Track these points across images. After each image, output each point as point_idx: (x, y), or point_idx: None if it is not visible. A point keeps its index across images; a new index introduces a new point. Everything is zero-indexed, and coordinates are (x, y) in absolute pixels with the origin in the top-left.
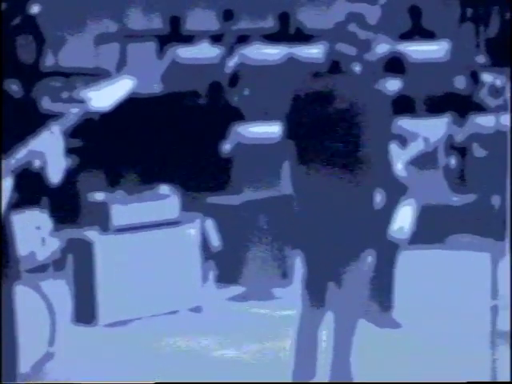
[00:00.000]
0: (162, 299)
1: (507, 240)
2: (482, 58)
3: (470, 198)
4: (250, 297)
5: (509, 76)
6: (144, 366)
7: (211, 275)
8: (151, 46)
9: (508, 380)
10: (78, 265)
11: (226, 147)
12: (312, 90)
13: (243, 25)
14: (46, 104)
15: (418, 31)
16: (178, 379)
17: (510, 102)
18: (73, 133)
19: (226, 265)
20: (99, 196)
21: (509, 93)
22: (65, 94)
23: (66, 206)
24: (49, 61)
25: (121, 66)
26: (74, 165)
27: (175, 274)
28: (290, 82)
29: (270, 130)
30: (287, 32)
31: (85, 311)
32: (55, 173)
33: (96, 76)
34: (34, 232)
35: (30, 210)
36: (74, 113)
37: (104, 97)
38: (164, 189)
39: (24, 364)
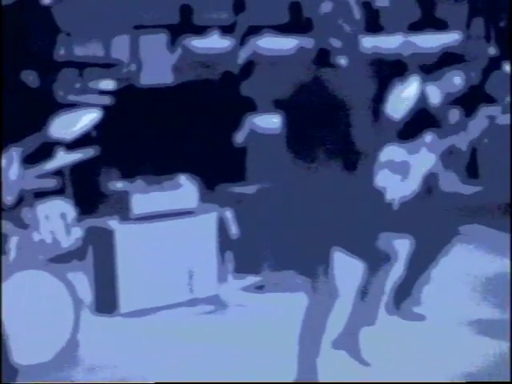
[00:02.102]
0: (179, 288)
1: None
2: (492, 50)
3: (479, 188)
4: (267, 287)
5: None
6: (162, 354)
7: (229, 265)
8: (162, 37)
9: (508, 380)
10: (99, 254)
11: (240, 137)
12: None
13: (254, 15)
14: (61, 94)
15: (429, 22)
16: (193, 367)
17: (510, 96)
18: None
19: (243, 255)
20: (120, 185)
21: None
22: (78, 85)
23: (87, 195)
24: (62, 52)
25: (133, 57)
26: (95, 155)
27: (194, 263)
28: (301, 72)
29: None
30: (298, 23)
31: (105, 301)
32: (9, 194)
33: (109, 66)
34: (58, 220)
35: (54, 198)
36: (33, 139)
37: (68, 127)
38: (182, 178)
39: (47, 353)
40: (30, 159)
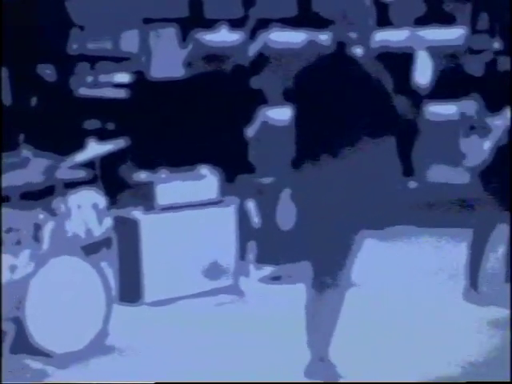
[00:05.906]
0: (201, 278)
1: None
2: (497, 44)
3: None
4: (284, 278)
5: None
6: (184, 342)
7: (251, 255)
8: (172, 31)
9: (508, 380)
10: (124, 243)
11: (252, 130)
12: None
13: (263, 9)
14: (74, 87)
15: (436, 16)
16: (212, 354)
17: (509, 91)
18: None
19: (263, 245)
20: (144, 176)
21: None
22: (90, 79)
23: (113, 186)
24: (76, 46)
25: (144, 51)
26: (123, 147)
27: (215, 252)
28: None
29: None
30: (307, 16)
31: (130, 290)
32: None
33: (121, 60)
34: (90, 210)
35: (86, 189)
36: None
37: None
38: (204, 170)
39: (80, 341)
40: (63, 150)
